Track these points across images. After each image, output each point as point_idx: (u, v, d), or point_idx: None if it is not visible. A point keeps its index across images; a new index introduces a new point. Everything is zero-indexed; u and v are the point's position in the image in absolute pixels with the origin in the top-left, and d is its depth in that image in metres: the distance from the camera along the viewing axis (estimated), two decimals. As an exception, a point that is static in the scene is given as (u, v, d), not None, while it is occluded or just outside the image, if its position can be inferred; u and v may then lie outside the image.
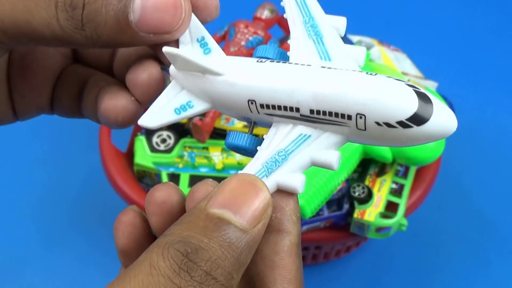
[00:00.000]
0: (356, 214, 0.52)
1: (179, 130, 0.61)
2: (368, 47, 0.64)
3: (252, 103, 0.25)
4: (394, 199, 0.53)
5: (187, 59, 0.25)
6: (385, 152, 0.49)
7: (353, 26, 0.69)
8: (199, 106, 0.26)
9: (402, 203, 0.53)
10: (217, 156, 0.59)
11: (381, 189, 0.53)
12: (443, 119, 0.23)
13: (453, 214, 0.71)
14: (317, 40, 0.26)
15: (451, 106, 0.53)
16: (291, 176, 0.24)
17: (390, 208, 0.53)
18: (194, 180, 0.58)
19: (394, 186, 0.54)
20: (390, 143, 0.24)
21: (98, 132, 0.62)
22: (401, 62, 0.64)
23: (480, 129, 0.81)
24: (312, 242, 0.57)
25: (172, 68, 0.26)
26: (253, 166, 0.25)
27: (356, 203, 0.53)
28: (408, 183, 0.55)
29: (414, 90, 0.23)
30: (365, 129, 0.23)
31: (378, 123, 0.23)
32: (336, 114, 0.23)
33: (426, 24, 1.01)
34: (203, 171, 0.58)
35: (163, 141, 0.60)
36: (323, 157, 0.24)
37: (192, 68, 0.25)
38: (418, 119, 0.22)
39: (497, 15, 1.02)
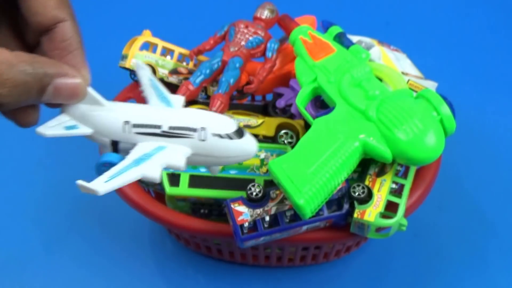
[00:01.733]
0: (356, 214, 0.52)
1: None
2: (368, 47, 0.64)
3: (126, 124, 0.36)
4: (394, 199, 0.53)
5: (89, 92, 0.36)
6: (385, 152, 0.49)
7: (353, 26, 0.69)
8: (83, 129, 0.37)
9: (402, 203, 0.53)
10: (217, 156, 0.59)
11: (381, 189, 0.53)
12: (251, 140, 0.37)
13: (453, 214, 0.71)
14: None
15: (451, 106, 0.53)
16: (154, 167, 0.35)
17: (390, 208, 0.53)
18: (194, 180, 0.58)
19: (394, 186, 0.54)
20: (219, 154, 0.36)
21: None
22: (401, 62, 0.64)
23: (480, 129, 0.81)
24: (312, 242, 0.57)
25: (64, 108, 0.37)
26: (123, 163, 0.35)
27: (356, 203, 0.53)
28: (408, 183, 0.55)
29: (235, 122, 0.37)
30: (205, 140, 0.36)
31: (213, 134, 0.36)
32: (187, 128, 0.36)
33: (426, 24, 1.01)
34: (203, 171, 0.58)
35: (163, 141, 0.60)
36: (173, 160, 0.35)
37: (87, 101, 0.36)
38: (239, 133, 0.36)
39: (497, 15, 1.02)
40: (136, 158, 0.35)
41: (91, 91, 0.36)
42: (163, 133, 0.36)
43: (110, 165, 0.36)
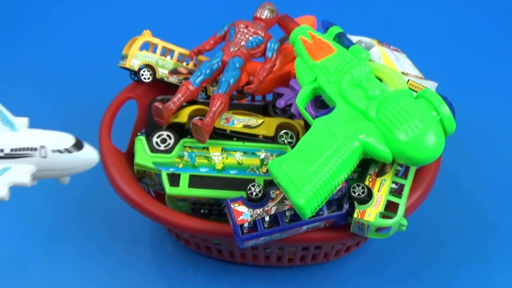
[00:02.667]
0: (356, 214, 0.52)
1: (179, 130, 0.61)
2: (368, 47, 0.64)
3: None
4: (394, 199, 0.53)
5: None
6: (385, 152, 0.49)
7: (353, 26, 0.69)
8: None
9: (402, 203, 0.53)
10: (217, 156, 0.59)
11: (381, 189, 0.53)
12: (91, 150, 0.42)
13: (453, 214, 0.71)
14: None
15: (451, 106, 0.53)
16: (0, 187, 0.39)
17: (390, 208, 0.53)
18: (194, 180, 0.58)
19: (394, 186, 0.54)
20: (62, 167, 0.40)
21: (98, 132, 0.62)
22: (401, 62, 0.64)
23: (480, 129, 0.81)
24: (312, 242, 0.57)
25: None
26: None
27: (356, 203, 0.53)
28: (408, 183, 0.55)
29: (73, 136, 0.42)
30: (46, 156, 0.40)
31: (53, 150, 0.40)
32: (27, 148, 0.40)
33: (426, 24, 1.01)
34: (203, 171, 0.58)
35: (163, 141, 0.60)
36: (18, 178, 0.39)
37: None
38: (77, 146, 0.40)
39: (497, 16, 1.02)
40: None
41: None
42: (5, 155, 0.40)
43: None
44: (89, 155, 0.42)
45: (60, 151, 0.40)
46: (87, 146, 0.41)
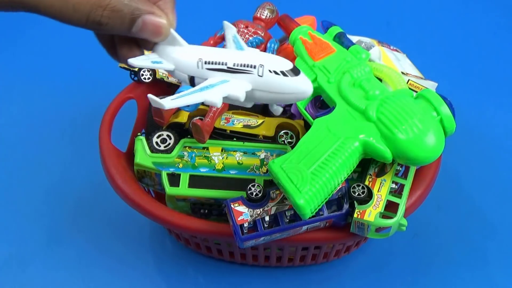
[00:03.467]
0: (356, 214, 0.52)
1: (179, 130, 0.61)
2: (368, 47, 0.64)
3: (199, 60, 0.42)
4: (394, 199, 0.53)
5: (172, 34, 0.42)
6: (385, 152, 0.49)
7: (353, 26, 0.69)
8: (166, 64, 0.43)
9: (402, 203, 0.53)
10: (217, 156, 0.59)
11: (381, 189, 0.53)
12: (306, 79, 0.40)
13: (453, 214, 0.71)
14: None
15: (450, 106, 0.53)
16: (215, 94, 0.40)
17: (390, 208, 0.53)
18: (194, 180, 0.58)
19: (394, 186, 0.54)
20: (276, 89, 0.40)
21: (98, 132, 0.62)
22: (401, 62, 0.64)
23: (480, 129, 0.81)
24: (312, 242, 0.57)
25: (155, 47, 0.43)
26: (190, 89, 0.41)
27: (356, 203, 0.53)
28: (408, 183, 0.55)
29: (292, 63, 0.41)
30: (262, 76, 0.40)
31: (270, 71, 0.40)
32: (247, 65, 0.40)
33: (426, 24, 1.01)
34: (203, 171, 0.58)
35: (163, 141, 0.60)
36: (234, 91, 0.40)
37: (170, 41, 0.42)
38: (294, 71, 0.40)
39: (497, 16, 1.02)
40: (202, 86, 0.41)
41: (174, 33, 0.42)
42: (228, 68, 0.41)
43: None
44: (303, 83, 0.40)
45: (276, 73, 0.40)
46: (302, 75, 0.41)
